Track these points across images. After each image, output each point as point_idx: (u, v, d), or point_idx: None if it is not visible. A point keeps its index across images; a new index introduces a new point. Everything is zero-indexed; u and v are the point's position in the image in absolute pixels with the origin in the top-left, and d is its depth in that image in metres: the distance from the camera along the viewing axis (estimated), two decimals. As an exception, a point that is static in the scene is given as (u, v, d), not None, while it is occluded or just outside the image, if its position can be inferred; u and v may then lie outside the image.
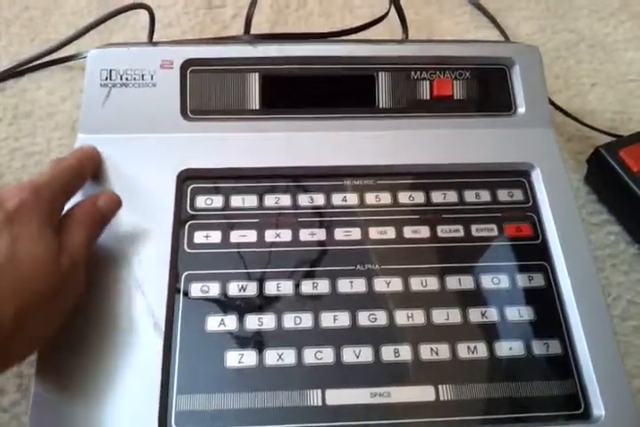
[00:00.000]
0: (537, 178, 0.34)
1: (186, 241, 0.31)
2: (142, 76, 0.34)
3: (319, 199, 0.33)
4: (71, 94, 0.43)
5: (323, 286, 0.30)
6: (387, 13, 0.43)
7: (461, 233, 0.32)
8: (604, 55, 0.49)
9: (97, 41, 0.46)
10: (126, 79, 0.34)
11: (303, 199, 0.32)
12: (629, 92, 0.47)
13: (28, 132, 0.41)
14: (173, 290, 0.29)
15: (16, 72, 0.43)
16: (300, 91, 0.35)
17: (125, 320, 0.28)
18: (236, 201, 0.32)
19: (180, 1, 0.50)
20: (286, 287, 0.30)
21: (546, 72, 0.43)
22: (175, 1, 0.50)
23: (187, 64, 0.34)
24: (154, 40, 0.42)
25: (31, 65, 0.43)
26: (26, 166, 0.39)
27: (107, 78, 0.34)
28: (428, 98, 0.36)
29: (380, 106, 0.35)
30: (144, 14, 0.42)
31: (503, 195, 0.33)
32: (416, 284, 0.30)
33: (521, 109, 0.36)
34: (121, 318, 0.28)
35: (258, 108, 0.35)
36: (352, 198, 0.33)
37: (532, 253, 0.32)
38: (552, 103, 0.42)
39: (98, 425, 0.26)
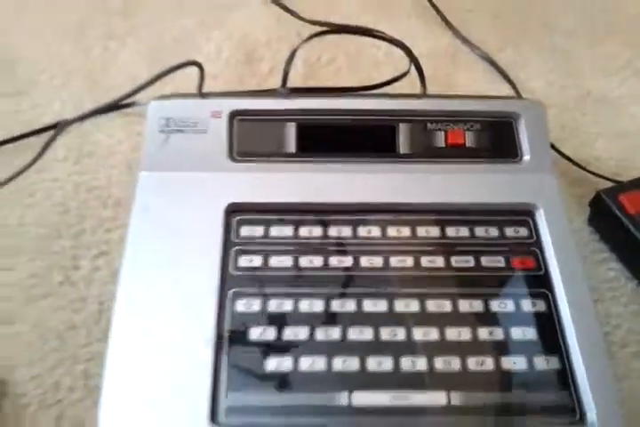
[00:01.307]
0: (540, 217, 0.38)
1: (231, 264, 0.35)
2: (195, 123, 0.40)
3: (347, 231, 0.37)
4: (127, 137, 0.49)
5: (350, 305, 0.34)
6: (408, 71, 0.49)
7: (472, 264, 0.36)
8: (609, 109, 0.54)
9: (149, 90, 0.52)
10: (182, 126, 0.40)
11: (332, 231, 0.37)
12: (632, 143, 0.51)
13: (90, 169, 0.47)
14: (222, 305, 0.34)
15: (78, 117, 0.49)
16: (331, 138, 0.41)
17: (182, 327, 0.32)
18: (274, 231, 0.37)
19: (223, 55, 0.57)
20: (318, 305, 0.34)
21: (554, 123, 0.49)
22: (218, 56, 0.57)
23: (233, 114, 0.40)
24: (202, 92, 0.48)
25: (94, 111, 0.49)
26: (88, 200, 0.45)
27: (165, 125, 0.40)
28: (443, 146, 0.41)
29: (401, 152, 0.40)
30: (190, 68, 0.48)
31: (510, 231, 0.38)
32: (431, 305, 0.34)
33: (526, 157, 0.41)
34: (179, 325, 0.32)
35: (294, 151, 0.40)
36: (375, 231, 0.37)
37: (535, 283, 0.36)
38: (558, 151, 0.47)
39: (159, 418, 0.30)
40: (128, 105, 0.50)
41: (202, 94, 0.43)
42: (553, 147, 0.45)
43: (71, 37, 0.57)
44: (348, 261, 0.36)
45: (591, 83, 0.56)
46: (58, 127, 0.45)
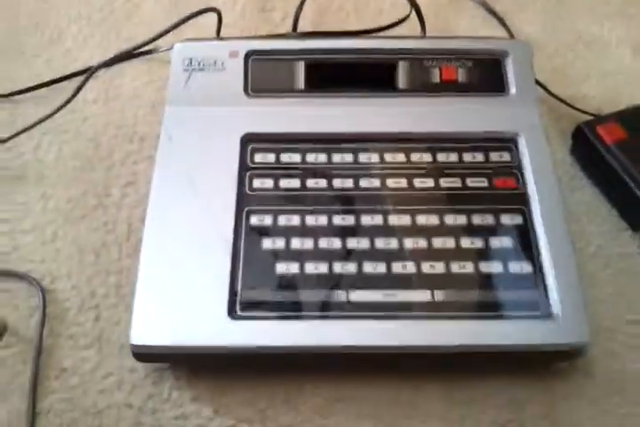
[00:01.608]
0: (522, 144, 0.43)
1: (247, 186, 0.40)
2: (215, 62, 0.44)
3: (348, 157, 0.42)
4: (150, 81, 0.54)
5: (349, 220, 0.39)
6: (409, 15, 0.53)
7: (459, 184, 0.41)
8: (598, 52, 0.58)
9: (169, 36, 0.56)
10: (203, 65, 0.44)
11: (336, 157, 0.42)
12: (616, 82, 0.55)
13: (117, 109, 0.52)
14: (238, 220, 0.39)
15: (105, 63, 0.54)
16: (337, 75, 0.45)
17: (204, 239, 0.38)
18: (284, 158, 0.42)
19: (238, 7, 0.60)
20: (321, 220, 0.39)
21: (545, 65, 0.52)
22: (233, 6, 0.60)
23: (249, 54, 0.45)
24: (220, 36, 0.53)
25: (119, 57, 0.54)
26: (117, 136, 0.50)
27: (188, 65, 0.44)
28: (438, 81, 0.45)
29: (400, 87, 0.45)
30: (207, 16, 0.52)
31: (494, 156, 0.42)
32: (421, 219, 0.39)
33: (512, 91, 0.45)
34: (200, 237, 0.38)
35: (303, 88, 0.44)
36: (374, 157, 0.42)
37: (515, 200, 0.40)
38: (544, 88, 0.51)
39: (185, 315, 0.35)
40: (149, 52, 0.54)
41: (220, 39, 0.48)
42: (539, 84, 0.49)
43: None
44: (348, 182, 0.41)
45: (583, 28, 0.59)
46: (87, 72, 0.49)
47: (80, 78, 0.50)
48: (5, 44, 0.56)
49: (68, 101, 0.48)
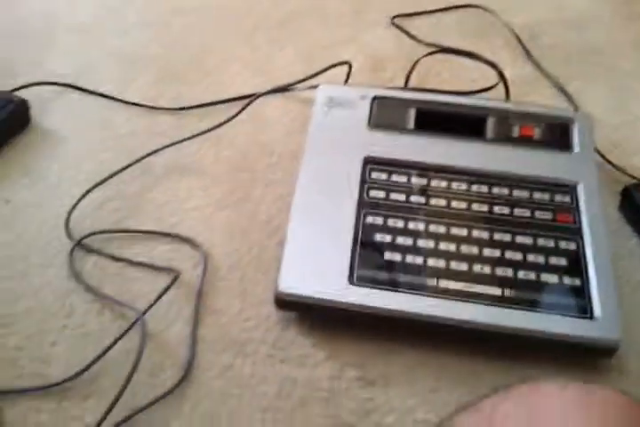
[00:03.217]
0: (580, 190, 0.54)
1: (365, 195, 0.53)
2: (348, 101, 0.58)
3: (443, 184, 0.54)
4: (286, 112, 0.68)
5: (440, 229, 0.51)
6: (497, 83, 0.66)
7: (529, 214, 0.53)
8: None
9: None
10: (339, 103, 0.58)
11: (433, 182, 0.54)
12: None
13: (262, 130, 0.65)
14: (358, 218, 0.51)
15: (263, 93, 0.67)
16: (440, 122, 0.58)
17: (334, 228, 0.50)
18: (393, 177, 0.55)
19: (356, 67, 0.74)
20: (419, 226, 0.51)
21: (606, 140, 0.64)
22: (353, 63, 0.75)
23: (374, 98, 0.59)
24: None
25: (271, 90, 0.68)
26: (260, 151, 0.63)
27: (328, 102, 0.58)
28: (517, 135, 0.58)
29: (488, 137, 0.58)
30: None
31: (558, 197, 0.54)
32: (497, 236, 0.51)
33: (576, 150, 0.57)
34: (331, 227, 0.50)
35: (413, 128, 0.58)
36: (463, 186, 0.54)
37: (571, 232, 0.52)
38: (602, 156, 0.63)
39: (318, 277, 0.47)
40: (291, 89, 0.69)
41: (350, 85, 0.62)
42: (598, 151, 0.61)
43: (245, 39, 0.77)
44: (442, 202, 0.53)
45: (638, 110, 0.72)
46: (252, 98, 0.63)
47: (234, 103, 0.65)
48: (179, 71, 0.72)
49: (230, 119, 0.62)
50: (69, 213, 0.56)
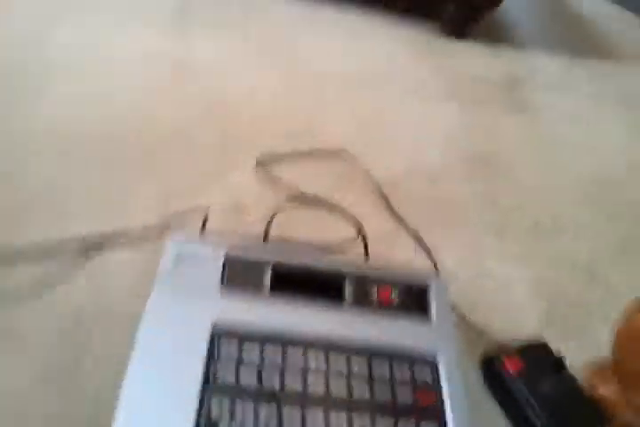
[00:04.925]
0: (440, 362, 0.52)
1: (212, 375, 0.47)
2: (199, 259, 0.54)
3: (298, 354, 0.50)
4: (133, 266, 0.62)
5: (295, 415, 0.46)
6: (356, 239, 0.65)
7: (389, 396, 0.49)
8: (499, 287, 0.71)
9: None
10: (189, 260, 0.54)
11: (291, 359, 0.50)
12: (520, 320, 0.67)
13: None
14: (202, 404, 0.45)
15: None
16: (298, 284, 0.55)
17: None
18: (245, 353, 0.49)
19: (217, 209, 0.71)
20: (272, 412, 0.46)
21: (462, 297, 0.64)
22: (215, 208, 0.71)
23: (228, 256, 0.55)
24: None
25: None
26: (100, 311, 0.56)
27: (176, 259, 0.53)
28: (376, 299, 0.55)
29: (346, 300, 0.55)
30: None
31: (418, 372, 0.51)
32: (357, 420, 0.47)
33: (433, 317, 0.55)
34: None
35: (268, 290, 0.54)
36: (320, 358, 0.50)
37: (432, 413, 0.49)
38: (462, 318, 0.62)
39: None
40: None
41: (203, 235, 0.58)
42: (455, 311, 0.61)
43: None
44: (297, 386, 0.48)
45: (489, 265, 0.73)
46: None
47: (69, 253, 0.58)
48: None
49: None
50: None
